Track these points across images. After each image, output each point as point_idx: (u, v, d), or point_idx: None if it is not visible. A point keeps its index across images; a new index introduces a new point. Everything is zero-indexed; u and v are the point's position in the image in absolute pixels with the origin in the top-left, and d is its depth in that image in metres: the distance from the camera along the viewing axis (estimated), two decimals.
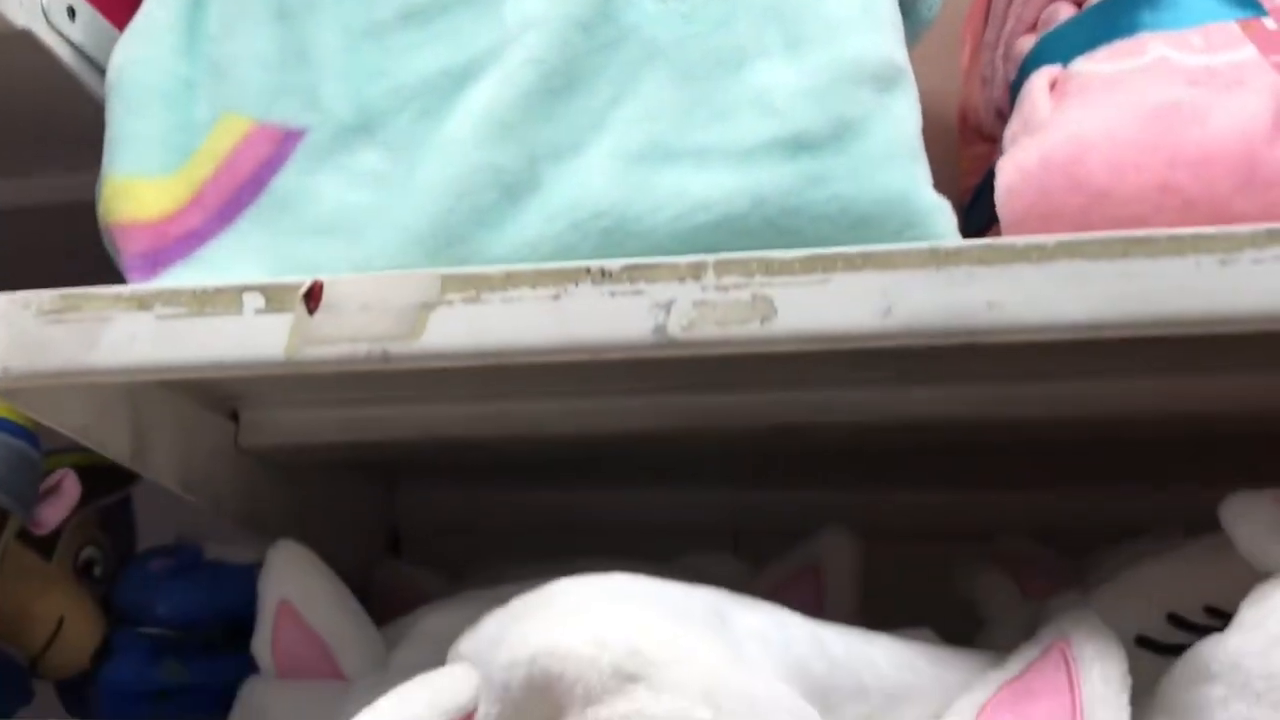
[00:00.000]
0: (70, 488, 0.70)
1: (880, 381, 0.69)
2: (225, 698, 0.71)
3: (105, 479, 0.77)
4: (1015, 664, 0.53)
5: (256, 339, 0.52)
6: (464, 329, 0.50)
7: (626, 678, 0.47)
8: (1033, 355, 0.66)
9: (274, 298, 0.52)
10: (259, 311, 0.52)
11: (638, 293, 0.50)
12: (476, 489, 0.96)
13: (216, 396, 0.73)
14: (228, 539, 0.80)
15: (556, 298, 0.50)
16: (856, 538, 0.74)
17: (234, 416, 0.75)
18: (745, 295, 0.49)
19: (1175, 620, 0.60)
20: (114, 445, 0.63)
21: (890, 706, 0.52)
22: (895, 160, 0.51)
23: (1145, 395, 0.67)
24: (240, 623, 0.71)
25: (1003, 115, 0.63)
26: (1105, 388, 0.67)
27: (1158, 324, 0.46)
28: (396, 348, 0.51)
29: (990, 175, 0.56)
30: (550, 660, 0.48)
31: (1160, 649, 0.58)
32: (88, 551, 0.76)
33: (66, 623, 0.72)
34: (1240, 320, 0.46)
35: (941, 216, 0.51)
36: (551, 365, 0.68)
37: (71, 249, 0.61)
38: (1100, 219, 0.49)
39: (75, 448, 0.76)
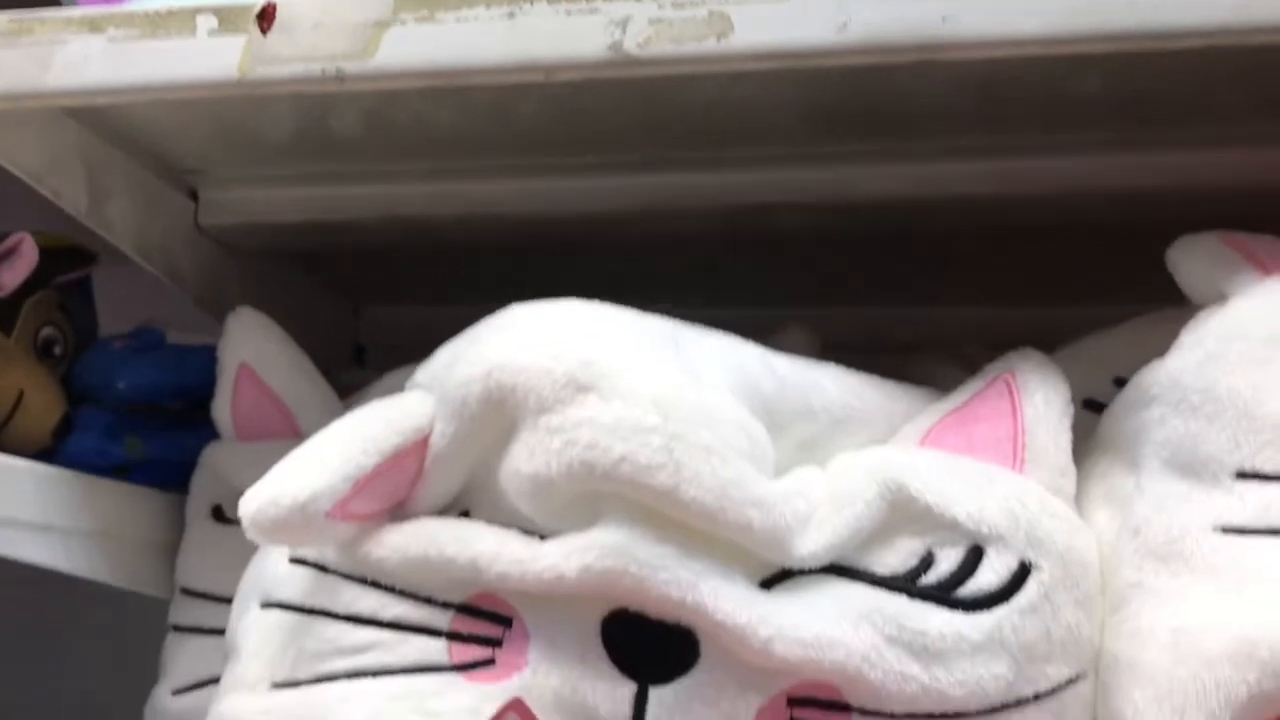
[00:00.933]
0: (28, 250, 0.69)
1: (842, 158, 0.69)
2: (185, 472, 0.72)
3: (65, 259, 0.76)
4: (960, 395, 0.54)
5: (210, 60, 0.52)
6: (417, 48, 0.50)
7: (579, 388, 0.48)
8: (992, 130, 0.67)
9: (227, 19, 0.52)
10: (212, 33, 0.52)
11: (593, 10, 0.49)
12: (440, 307, 0.96)
13: (175, 170, 0.72)
14: (191, 331, 0.80)
15: (511, 16, 0.50)
16: (815, 335, 0.75)
17: (194, 196, 0.75)
18: (702, 12, 0.49)
19: (1121, 384, 0.61)
20: (69, 196, 0.63)
21: (837, 429, 0.53)
22: None
23: (1100, 172, 0.67)
24: (201, 399, 0.72)
25: None
26: (1059, 165, 0.68)
27: (1111, 38, 0.47)
28: (350, 67, 0.50)
29: None
30: (504, 374, 0.49)
31: None
32: (47, 331, 0.75)
33: (26, 397, 0.72)
34: (1188, 34, 0.46)
35: None
36: (508, 131, 0.68)
37: None
38: None
39: (33, 231, 0.76)
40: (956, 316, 0.89)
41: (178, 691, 0.66)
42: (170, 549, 0.70)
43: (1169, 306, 0.56)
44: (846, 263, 0.85)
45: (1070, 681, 0.48)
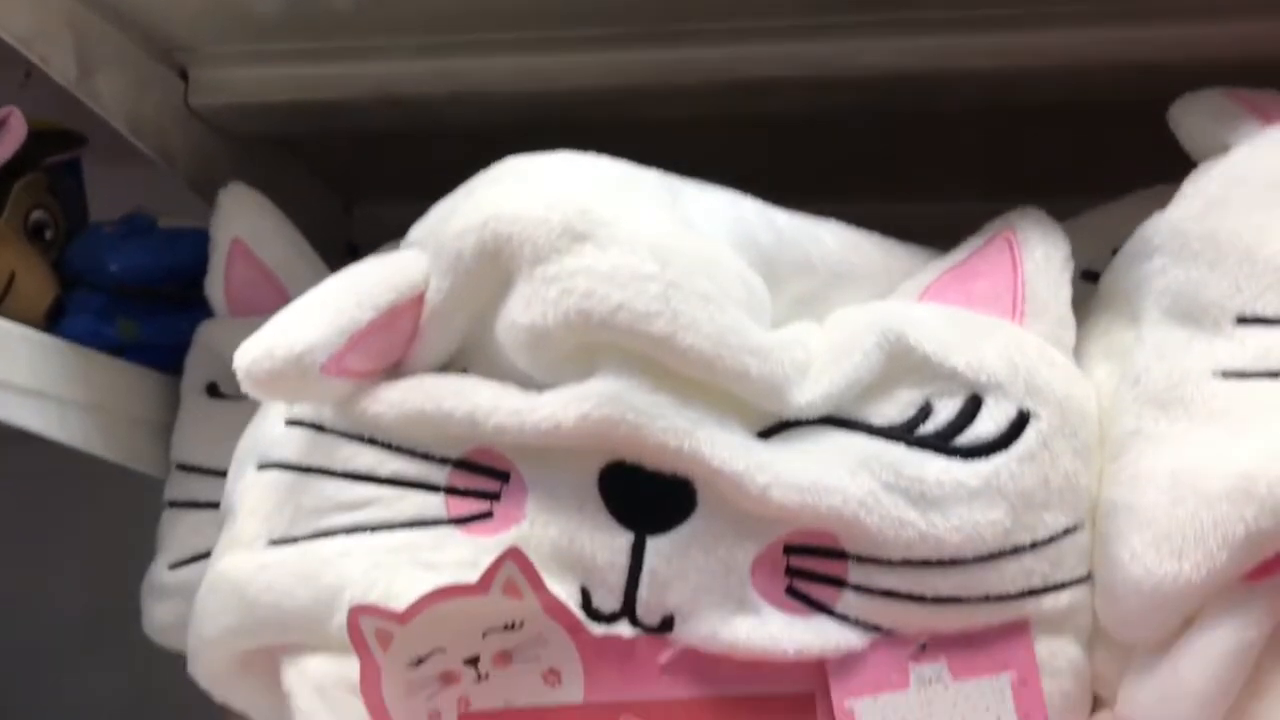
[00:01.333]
0: (16, 124, 0.68)
1: (846, 30, 0.68)
2: (178, 355, 0.72)
3: (54, 141, 0.75)
4: (960, 252, 0.54)
5: None
6: None
7: (575, 237, 0.47)
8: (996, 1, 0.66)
9: None
10: None
11: None
12: (432, 203, 0.95)
13: (165, 46, 0.71)
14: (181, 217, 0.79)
15: None
16: None
17: (184, 76, 0.74)
18: None
19: None
20: (58, 65, 0.62)
21: (836, 284, 0.52)
22: None
23: (1104, 44, 0.66)
24: (193, 281, 0.71)
25: None
26: (1063, 37, 0.67)
27: None
28: None
29: None
30: (500, 223, 0.48)
31: None
32: (37, 214, 0.74)
33: (18, 278, 0.71)
34: None
35: None
36: (503, 2, 0.67)
37: None
38: None
39: None
40: (960, 210, 0.88)
41: (174, 565, 0.66)
42: (164, 428, 0.70)
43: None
44: (848, 152, 0.84)
45: (1067, 531, 0.48)
